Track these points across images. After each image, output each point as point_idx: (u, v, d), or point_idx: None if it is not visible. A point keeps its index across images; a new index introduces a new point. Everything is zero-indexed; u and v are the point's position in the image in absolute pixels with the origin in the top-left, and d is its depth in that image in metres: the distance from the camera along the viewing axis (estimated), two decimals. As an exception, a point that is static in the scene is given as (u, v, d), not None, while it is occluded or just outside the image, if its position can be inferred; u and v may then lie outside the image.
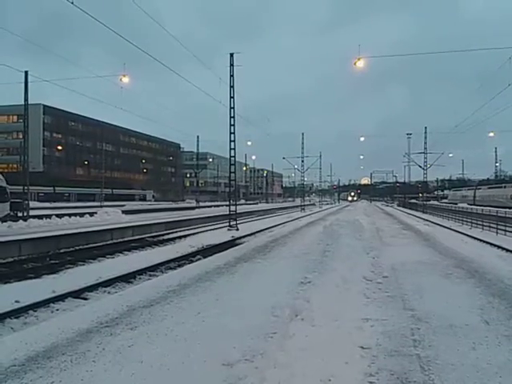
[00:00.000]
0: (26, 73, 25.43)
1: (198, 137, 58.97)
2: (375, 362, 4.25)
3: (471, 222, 24.77)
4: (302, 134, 51.72)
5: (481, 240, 16.94)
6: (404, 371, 4.02)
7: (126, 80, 21.69)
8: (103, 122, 79.69)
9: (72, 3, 11.59)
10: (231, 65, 22.90)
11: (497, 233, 19.38)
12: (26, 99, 26.04)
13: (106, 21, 13.54)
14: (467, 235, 19.10)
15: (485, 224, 21.99)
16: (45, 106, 67.57)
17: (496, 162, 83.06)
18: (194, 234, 22.39)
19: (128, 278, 10.74)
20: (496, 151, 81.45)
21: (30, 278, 11.01)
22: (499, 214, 21.93)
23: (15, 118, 65.50)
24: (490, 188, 51.56)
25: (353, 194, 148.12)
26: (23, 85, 25.72)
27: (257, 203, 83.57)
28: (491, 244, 15.46)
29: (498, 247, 14.50)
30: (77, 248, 16.16)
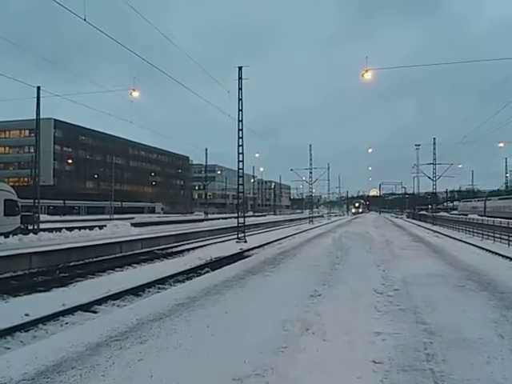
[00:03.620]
0: (38, 88, 25.89)
1: (206, 149, 59.35)
2: (388, 376, 4.17)
3: (482, 234, 24.46)
4: (310, 145, 51.72)
5: (492, 252, 16.70)
6: (417, 386, 3.95)
7: (135, 94, 21.96)
8: (113, 136, 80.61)
9: (84, 20, 11.84)
10: (239, 78, 23.12)
11: (508, 244, 19.10)
12: (37, 114, 26.48)
13: (119, 38, 13.90)
14: (478, 247, 18.86)
15: (496, 235, 21.71)
16: (56, 120, 68.58)
17: (506, 173, 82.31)
18: (202, 246, 22.37)
19: (137, 291, 10.73)
20: (506, 162, 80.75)
21: (40, 291, 11.05)
22: (510, 226, 21.63)
23: (27, 132, 66.53)
24: (500, 199, 50.94)
25: (357, 204, 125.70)
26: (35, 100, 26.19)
27: (265, 215, 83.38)
28: (503, 256, 15.23)
29: (511, 259, 14.28)
30: (86, 261, 16.21)
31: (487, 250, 17.32)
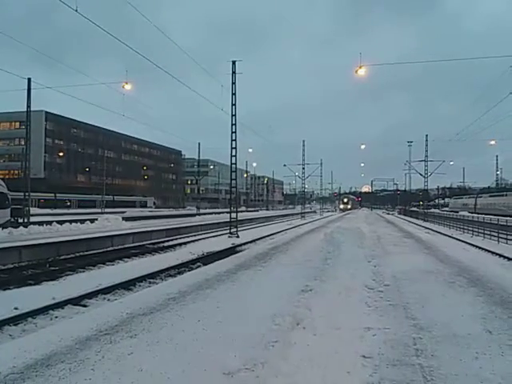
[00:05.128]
0: (29, 80, 25.61)
1: (199, 144, 59.22)
2: (377, 371, 4.20)
3: (472, 231, 24.70)
4: (303, 141, 52.05)
5: (482, 248, 16.88)
6: (406, 381, 3.97)
7: (128, 87, 21.83)
8: (105, 129, 79.99)
9: (76, 10, 11.69)
10: (233, 72, 23.02)
11: (498, 241, 19.31)
12: (28, 106, 26.18)
13: (113, 32, 13.80)
14: (468, 243, 19.04)
15: (486, 232, 21.93)
16: (47, 112, 67.80)
17: (497, 171, 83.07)
18: (194, 241, 22.35)
19: (128, 285, 10.70)
20: (497, 159, 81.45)
21: (30, 284, 10.98)
22: (500, 223, 21.88)
23: (17, 124, 65.84)
24: (491, 196, 51.47)
25: (346, 200, 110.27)
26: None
27: (257, 210, 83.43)
28: (493, 252, 15.39)
29: (500, 256, 14.44)
30: (77, 255, 16.12)
31: (477, 247, 17.50)
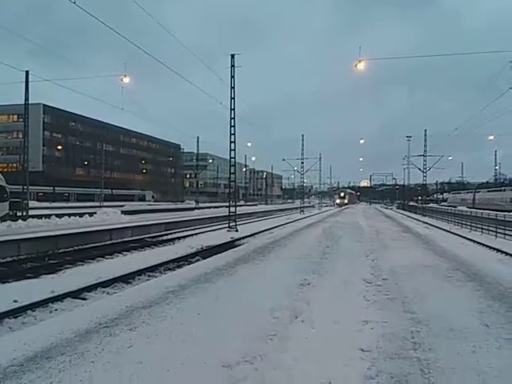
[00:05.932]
0: (27, 72, 25.46)
1: (198, 138, 59.02)
2: (375, 364, 4.23)
3: (470, 225, 24.78)
4: (302, 135, 51.99)
5: (480, 243, 16.94)
6: (404, 374, 4.00)
7: (126, 80, 21.76)
8: (103, 122, 79.69)
9: (74, 3, 11.62)
10: (232, 66, 22.93)
11: (496, 236, 19.38)
12: (26, 98, 26.06)
13: (113, 25, 13.74)
14: (467, 238, 19.10)
15: (484, 227, 22.00)
16: (45, 105, 67.49)
17: (495, 166, 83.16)
18: (193, 234, 22.38)
19: (127, 278, 10.72)
20: (495, 154, 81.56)
21: (29, 277, 11.00)
22: (498, 218, 21.94)
23: (15, 117, 65.50)
24: (489, 191, 51.57)
25: (342, 194, 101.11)
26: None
27: (256, 205, 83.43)
28: (490, 247, 15.46)
29: (498, 250, 14.50)
30: (76, 248, 16.15)
31: (475, 242, 17.56)
